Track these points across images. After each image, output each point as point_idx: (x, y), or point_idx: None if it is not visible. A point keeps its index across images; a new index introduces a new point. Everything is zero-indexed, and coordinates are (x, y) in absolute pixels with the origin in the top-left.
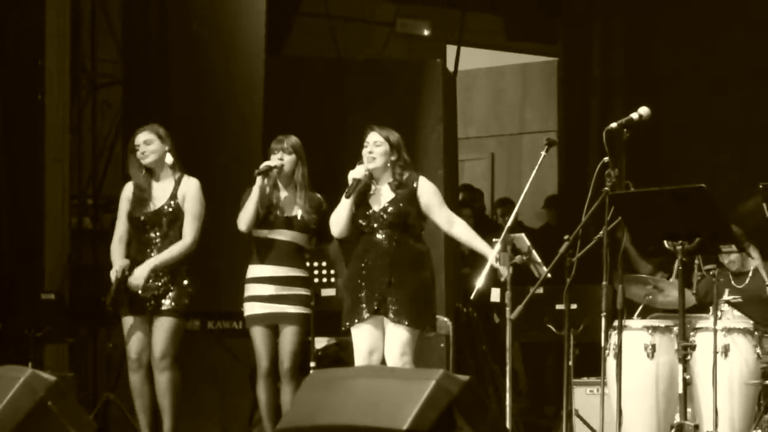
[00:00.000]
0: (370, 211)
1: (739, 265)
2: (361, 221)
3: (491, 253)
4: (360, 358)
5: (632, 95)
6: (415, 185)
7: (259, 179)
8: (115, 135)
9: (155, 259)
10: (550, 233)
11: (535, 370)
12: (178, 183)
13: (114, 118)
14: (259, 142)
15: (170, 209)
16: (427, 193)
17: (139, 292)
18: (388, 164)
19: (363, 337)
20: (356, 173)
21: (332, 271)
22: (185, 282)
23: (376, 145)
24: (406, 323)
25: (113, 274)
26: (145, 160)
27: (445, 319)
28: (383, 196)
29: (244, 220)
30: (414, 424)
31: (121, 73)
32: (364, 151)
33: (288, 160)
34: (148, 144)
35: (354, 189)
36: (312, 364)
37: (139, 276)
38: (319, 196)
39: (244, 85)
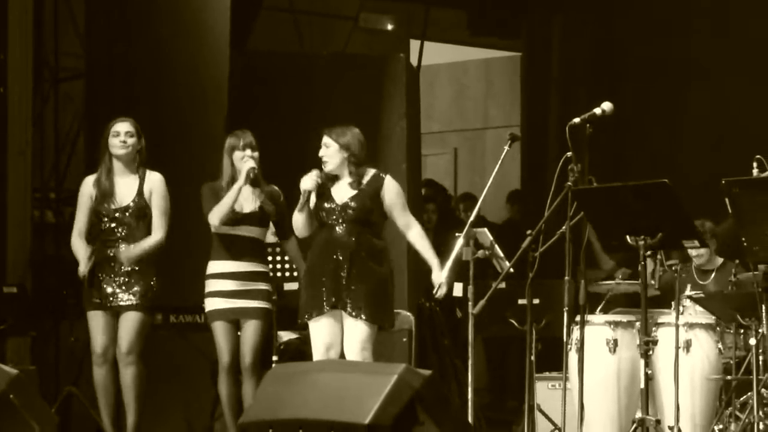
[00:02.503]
0: (333, 205)
1: (705, 261)
2: (322, 213)
3: (436, 267)
4: (318, 353)
5: (595, 91)
6: (381, 184)
7: (243, 179)
8: (77, 129)
9: (139, 247)
10: (513, 228)
11: (498, 365)
12: (142, 178)
13: (76, 112)
14: (223, 137)
15: (136, 205)
16: (392, 194)
17: (123, 266)
18: (341, 162)
19: (321, 331)
20: (306, 184)
21: (294, 266)
22: (152, 278)
23: (326, 147)
24: (364, 318)
25: (83, 269)
26: (123, 150)
27: (408, 313)
28: (346, 191)
29: (218, 215)
30: (376, 418)
31: (83, 67)
32: (320, 153)
33: (257, 156)
34: (130, 136)
35: (306, 201)
36: (274, 358)
37: (129, 255)
38: (275, 187)
39: (208, 80)
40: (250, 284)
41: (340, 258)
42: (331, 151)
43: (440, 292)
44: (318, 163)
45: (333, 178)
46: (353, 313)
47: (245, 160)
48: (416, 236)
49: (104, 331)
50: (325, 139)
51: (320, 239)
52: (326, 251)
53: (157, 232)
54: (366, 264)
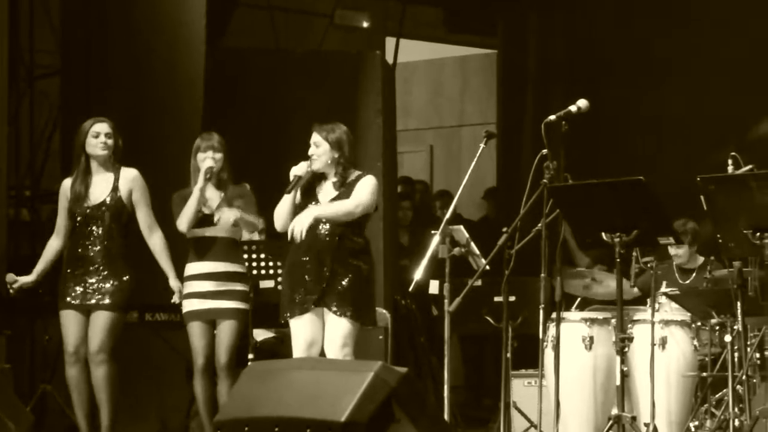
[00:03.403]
0: (314, 204)
1: (685, 260)
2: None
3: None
4: (299, 351)
5: (571, 88)
6: (359, 181)
7: (202, 181)
8: (53, 126)
9: (166, 264)
10: (489, 225)
11: (474, 362)
12: (117, 175)
13: (51, 110)
14: (199, 135)
15: (112, 202)
16: (358, 188)
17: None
18: (330, 162)
19: (303, 329)
20: (297, 170)
21: (270, 263)
22: (125, 277)
23: (316, 146)
24: (348, 315)
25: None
26: (104, 151)
27: (384, 311)
28: (329, 191)
29: (185, 220)
30: (352, 415)
31: (59, 64)
32: (309, 151)
33: (218, 157)
34: (109, 137)
35: (294, 185)
36: (250, 356)
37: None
38: (244, 184)
39: (184, 77)
40: (227, 285)
41: (323, 256)
42: (321, 150)
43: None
44: (296, 160)
45: (319, 177)
46: (337, 311)
47: (204, 161)
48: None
49: (76, 330)
50: (315, 137)
51: (303, 239)
52: (309, 250)
53: (155, 228)
54: (349, 262)
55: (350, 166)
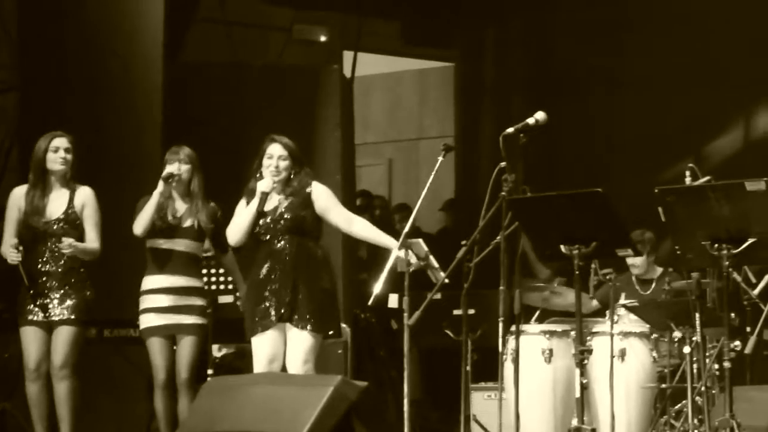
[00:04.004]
0: (267, 219)
1: (643, 270)
2: (258, 230)
3: (394, 248)
4: (260, 366)
5: (528, 100)
6: (308, 190)
7: (161, 185)
8: (10, 142)
9: (81, 245)
10: (448, 236)
11: (433, 376)
12: (73, 192)
13: (9, 125)
14: (159, 148)
15: (67, 218)
16: (322, 196)
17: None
18: (291, 175)
19: (264, 345)
20: (265, 187)
21: (230, 278)
22: (86, 291)
23: (281, 159)
24: (310, 328)
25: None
26: (63, 166)
27: (343, 324)
28: (278, 203)
29: (141, 224)
30: (312, 430)
31: (17, 80)
32: (269, 164)
33: (185, 169)
34: (68, 152)
35: (264, 202)
36: (209, 372)
37: (72, 243)
38: (214, 205)
39: (142, 91)
40: (185, 299)
41: (284, 270)
42: (285, 164)
43: (412, 261)
44: (250, 174)
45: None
46: (299, 325)
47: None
48: (363, 226)
49: (37, 347)
50: (279, 150)
51: (261, 254)
52: (269, 266)
53: (94, 243)
54: (310, 274)
55: (302, 177)
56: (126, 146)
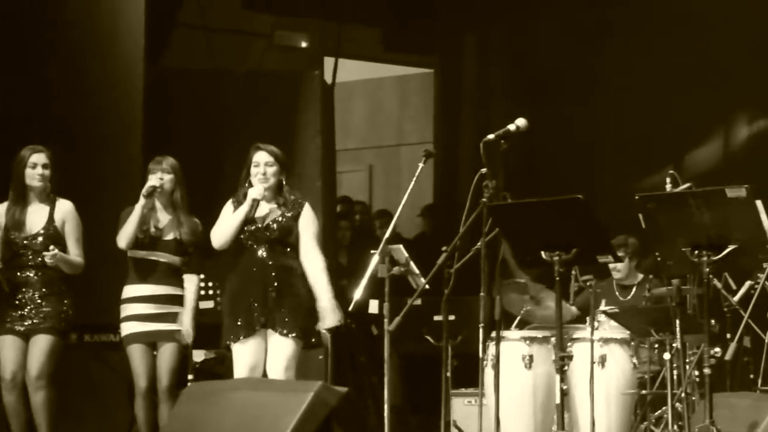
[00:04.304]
0: (254, 227)
1: (624, 275)
2: (242, 236)
3: (325, 300)
4: (241, 374)
5: (509, 106)
6: (300, 210)
7: (143, 200)
8: None
9: (66, 257)
10: (427, 242)
11: (413, 382)
12: (53, 206)
13: None
14: (139, 154)
15: (48, 232)
16: (307, 222)
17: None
18: (280, 181)
19: (246, 352)
20: (256, 194)
21: (210, 284)
22: (65, 301)
23: (268, 166)
24: (293, 335)
25: None
26: (41, 183)
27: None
28: (269, 212)
29: (125, 237)
30: None
31: None
32: (256, 172)
33: (167, 179)
34: (47, 168)
35: (255, 209)
36: (190, 377)
37: (57, 254)
38: (196, 220)
39: (123, 98)
40: (167, 307)
41: (266, 278)
42: (273, 170)
43: (326, 324)
44: (235, 179)
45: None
46: (283, 332)
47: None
48: (313, 269)
49: (14, 356)
50: (265, 157)
51: (245, 262)
52: (253, 273)
53: (78, 259)
54: (291, 283)
55: (294, 186)
56: (107, 152)
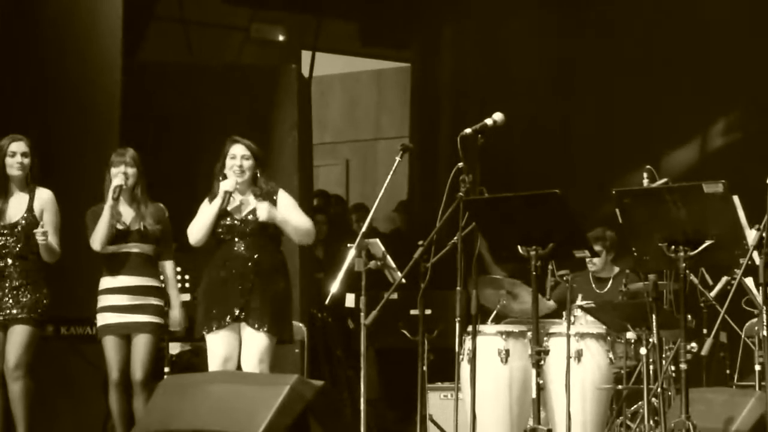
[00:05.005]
0: (231, 221)
1: (600, 267)
2: (219, 230)
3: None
4: (215, 366)
5: (485, 101)
6: (275, 198)
7: (111, 201)
8: None
9: (47, 242)
10: (401, 237)
11: (390, 376)
12: (32, 194)
13: None
14: (117, 147)
15: (27, 222)
16: (285, 201)
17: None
18: (255, 174)
19: (219, 344)
20: (228, 186)
21: (186, 276)
22: (43, 290)
23: (244, 159)
24: (266, 329)
25: None
26: (20, 171)
27: (300, 324)
28: (245, 205)
29: (98, 239)
30: (268, 429)
31: None
32: (232, 164)
33: (131, 173)
34: (26, 156)
35: (225, 203)
36: (166, 370)
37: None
38: (160, 205)
39: (100, 91)
40: (142, 299)
41: (243, 272)
42: (249, 163)
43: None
44: (211, 173)
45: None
46: (255, 325)
47: (116, 176)
48: (294, 217)
49: None
50: (242, 150)
51: (220, 254)
52: (228, 265)
53: (57, 247)
54: (268, 277)
55: (269, 179)
56: (84, 146)
